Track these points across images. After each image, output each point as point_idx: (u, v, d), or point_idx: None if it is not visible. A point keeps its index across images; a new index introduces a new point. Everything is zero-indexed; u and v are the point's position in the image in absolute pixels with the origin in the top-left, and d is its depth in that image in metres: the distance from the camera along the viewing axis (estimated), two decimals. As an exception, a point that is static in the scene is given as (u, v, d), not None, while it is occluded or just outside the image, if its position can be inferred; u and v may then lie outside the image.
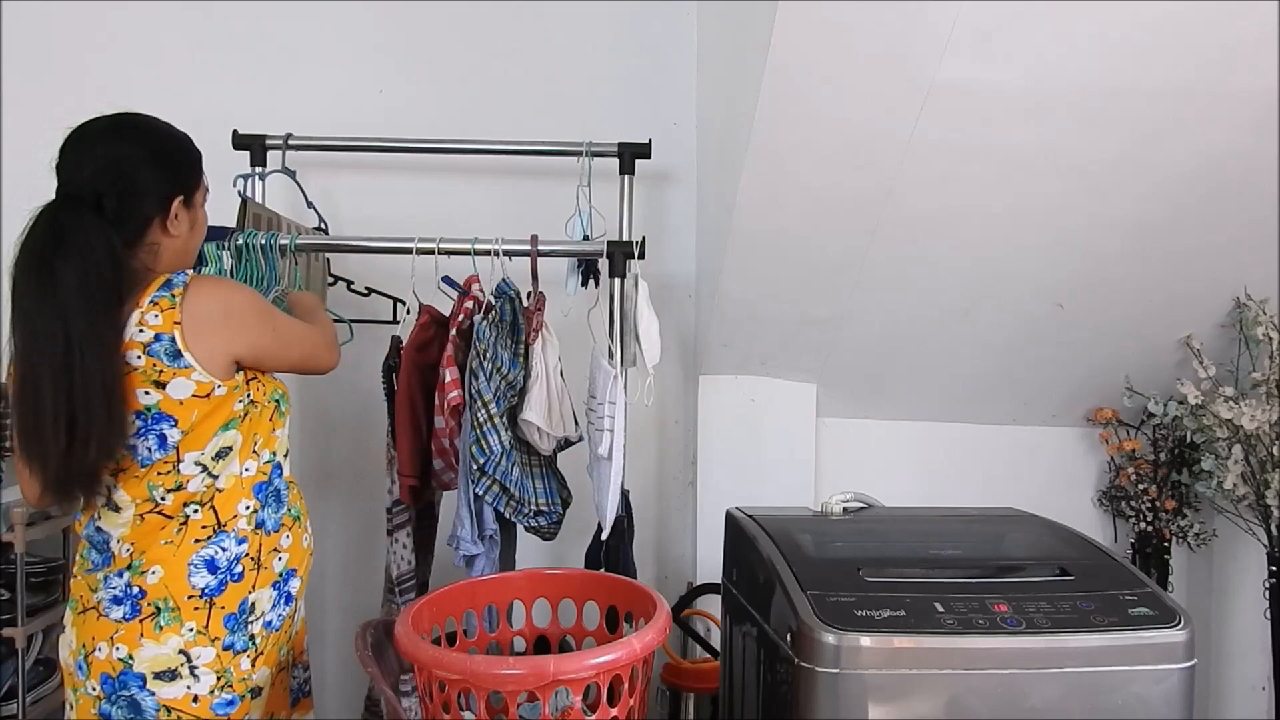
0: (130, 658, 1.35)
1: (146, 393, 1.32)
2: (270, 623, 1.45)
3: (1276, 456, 2.20)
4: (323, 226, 2.30)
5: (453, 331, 1.94)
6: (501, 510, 1.95)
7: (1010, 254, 2.13)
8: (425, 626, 1.59)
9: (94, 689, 1.36)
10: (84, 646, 1.37)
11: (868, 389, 2.53)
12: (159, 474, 1.36)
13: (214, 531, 1.39)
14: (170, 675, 1.35)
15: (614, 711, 1.42)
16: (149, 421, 1.33)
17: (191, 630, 1.37)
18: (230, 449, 1.40)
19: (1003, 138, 1.87)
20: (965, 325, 2.31)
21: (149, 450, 1.34)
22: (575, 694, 1.36)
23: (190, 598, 1.36)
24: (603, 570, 2.02)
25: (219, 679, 1.38)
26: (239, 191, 2.10)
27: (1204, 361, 2.28)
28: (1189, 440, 2.42)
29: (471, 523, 1.93)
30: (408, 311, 2.09)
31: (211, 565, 1.38)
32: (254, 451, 1.44)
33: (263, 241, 1.90)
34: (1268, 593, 2.28)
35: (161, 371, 1.31)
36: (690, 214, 2.56)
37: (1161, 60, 1.73)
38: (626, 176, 2.24)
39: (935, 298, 2.25)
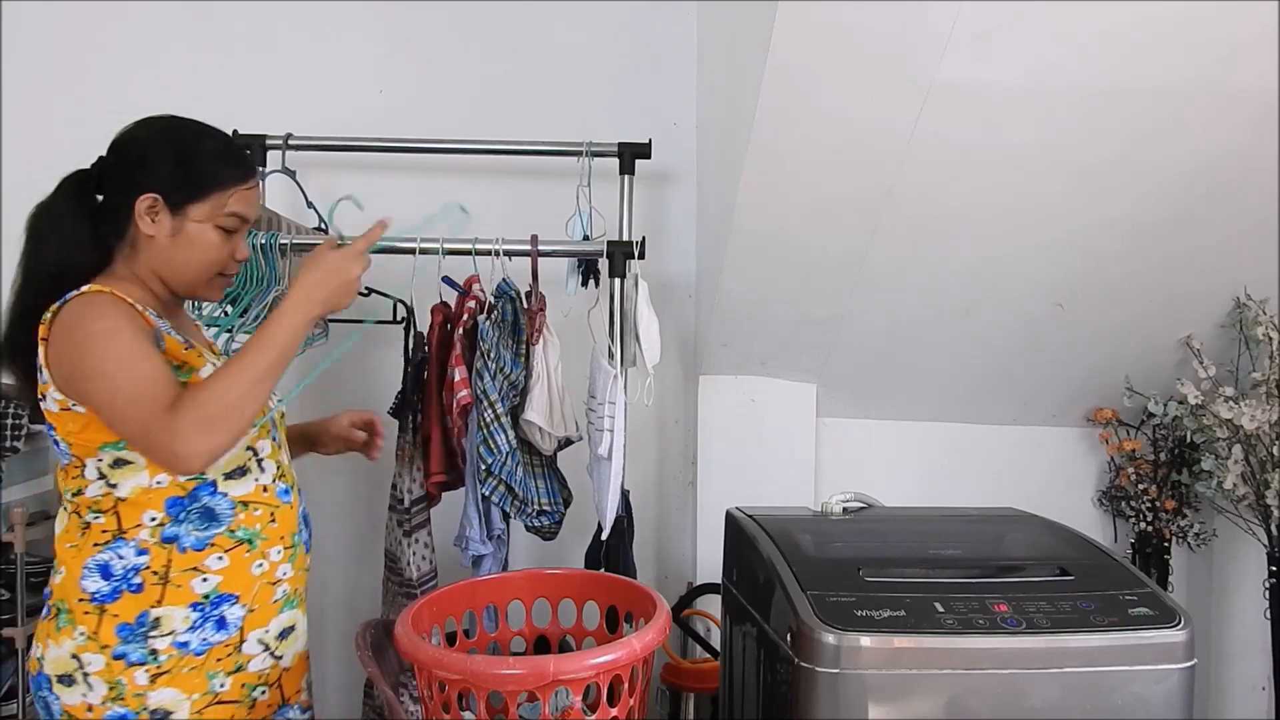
0: (42, 658, 1.33)
1: (42, 396, 1.31)
2: (187, 644, 1.33)
3: (1276, 456, 2.20)
4: (323, 226, 2.29)
5: (459, 331, 1.94)
6: (507, 510, 1.95)
7: (1010, 254, 2.13)
8: (425, 626, 1.58)
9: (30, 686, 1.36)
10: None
11: (868, 389, 2.53)
12: (69, 476, 1.34)
13: (113, 537, 1.31)
14: (68, 680, 1.31)
15: (614, 711, 1.42)
16: (48, 425, 1.34)
17: (83, 635, 1.31)
18: (131, 461, 1.32)
19: (1003, 138, 1.87)
20: (965, 325, 2.31)
21: (56, 449, 1.35)
22: (575, 694, 1.36)
23: (81, 601, 1.31)
24: (603, 570, 2.02)
25: (110, 689, 1.30)
26: (239, 191, 2.10)
27: (1204, 361, 2.28)
28: (1189, 440, 2.42)
29: (480, 523, 1.94)
30: (409, 312, 2.10)
31: (105, 571, 1.31)
32: None
33: (263, 241, 1.90)
34: (1268, 593, 2.28)
35: (44, 383, 1.31)
36: (690, 214, 2.56)
37: (1161, 60, 1.73)
38: (626, 176, 2.24)
39: (935, 298, 2.25)
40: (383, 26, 2.48)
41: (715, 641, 2.30)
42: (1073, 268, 2.17)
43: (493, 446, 1.89)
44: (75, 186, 1.37)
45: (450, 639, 1.70)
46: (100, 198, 1.37)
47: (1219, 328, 2.32)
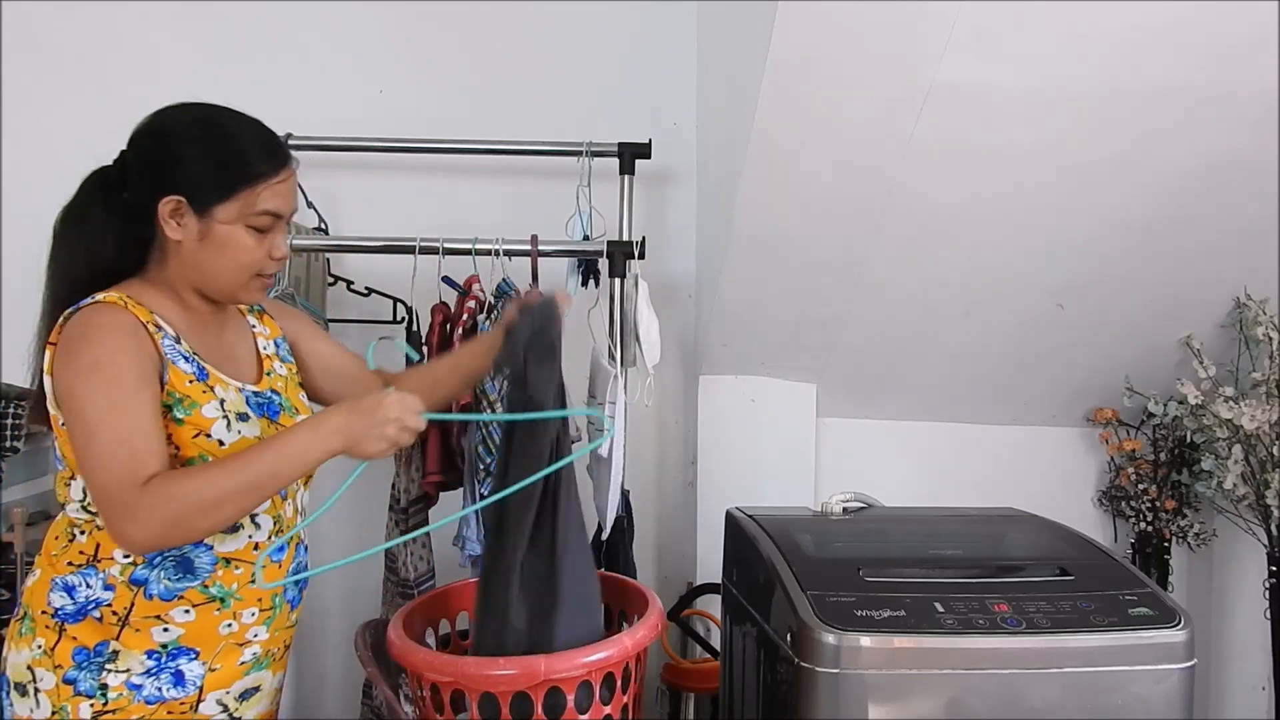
0: (4, 658, 1.28)
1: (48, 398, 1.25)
2: (140, 688, 1.24)
3: (1276, 456, 2.20)
4: (323, 226, 2.30)
5: (459, 331, 1.94)
6: (505, 509, 1.95)
7: (1010, 254, 2.13)
8: (418, 629, 1.58)
9: None
10: None
11: (868, 389, 2.53)
12: (61, 483, 1.28)
13: (86, 563, 1.25)
14: (22, 690, 1.25)
15: (607, 710, 1.41)
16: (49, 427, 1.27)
17: (39, 648, 1.24)
18: None
19: (1003, 137, 1.87)
20: (965, 325, 2.31)
21: (55, 458, 1.28)
22: (569, 693, 1.36)
23: (44, 613, 1.24)
24: (603, 570, 2.02)
25: (54, 714, 1.23)
26: (239, 191, 2.10)
27: (1204, 361, 2.28)
28: (1189, 440, 2.42)
29: (477, 523, 1.94)
30: (409, 312, 2.10)
31: (70, 590, 1.24)
32: None
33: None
34: (1268, 593, 2.28)
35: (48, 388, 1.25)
36: (690, 214, 2.56)
37: (1161, 60, 1.73)
38: (626, 176, 2.24)
39: (935, 298, 2.25)
40: (383, 26, 2.48)
41: (715, 641, 2.30)
42: (1073, 268, 2.16)
43: (491, 446, 1.89)
44: (97, 185, 1.28)
45: (445, 641, 1.70)
46: (126, 195, 1.27)
47: (1219, 328, 2.32)
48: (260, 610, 1.32)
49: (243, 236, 1.26)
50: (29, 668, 1.24)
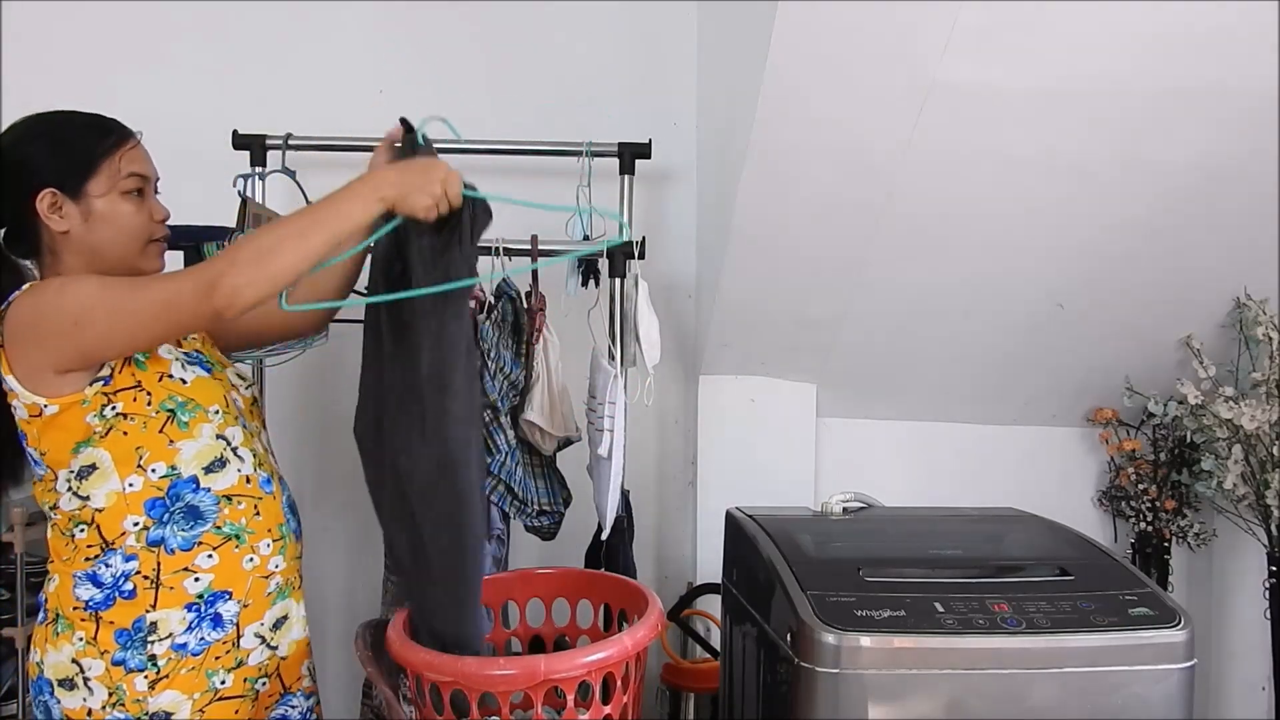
0: (41, 662, 1.34)
1: (14, 407, 1.30)
2: (185, 646, 1.34)
3: (1276, 456, 2.20)
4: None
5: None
6: (507, 510, 1.95)
7: (1010, 254, 2.13)
8: (420, 628, 1.58)
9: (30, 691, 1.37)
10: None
11: (868, 389, 2.53)
12: (44, 490, 1.34)
13: (101, 550, 1.32)
14: (69, 684, 1.32)
15: (607, 709, 1.42)
16: (21, 437, 1.32)
17: (81, 640, 1.32)
18: (94, 467, 1.30)
19: (1002, 138, 1.87)
20: (965, 325, 2.31)
21: (32, 465, 1.34)
22: (569, 692, 1.36)
23: (76, 609, 1.32)
24: (603, 570, 2.02)
25: (110, 695, 1.31)
26: (239, 191, 2.10)
27: (1204, 361, 2.28)
28: (1189, 440, 2.42)
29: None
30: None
31: (95, 580, 1.32)
32: (139, 466, 1.31)
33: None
34: (1268, 593, 2.28)
35: (4, 394, 1.29)
36: (690, 214, 2.56)
37: (1161, 60, 1.73)
38: (626, 176, 2.24)
39: (935, 298, 2.25)
40: (383, 26, 2.48)
41: (715, 641, 2.30)
42: (1073, 268, 2.16)
43: (492, 447, 1.89)
44: None
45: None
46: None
47: (1219, 328, 2.32)
48: (273, 541, 1.42)
49: (121, 205, 1.34)
50: (74, 661, 1.32)
